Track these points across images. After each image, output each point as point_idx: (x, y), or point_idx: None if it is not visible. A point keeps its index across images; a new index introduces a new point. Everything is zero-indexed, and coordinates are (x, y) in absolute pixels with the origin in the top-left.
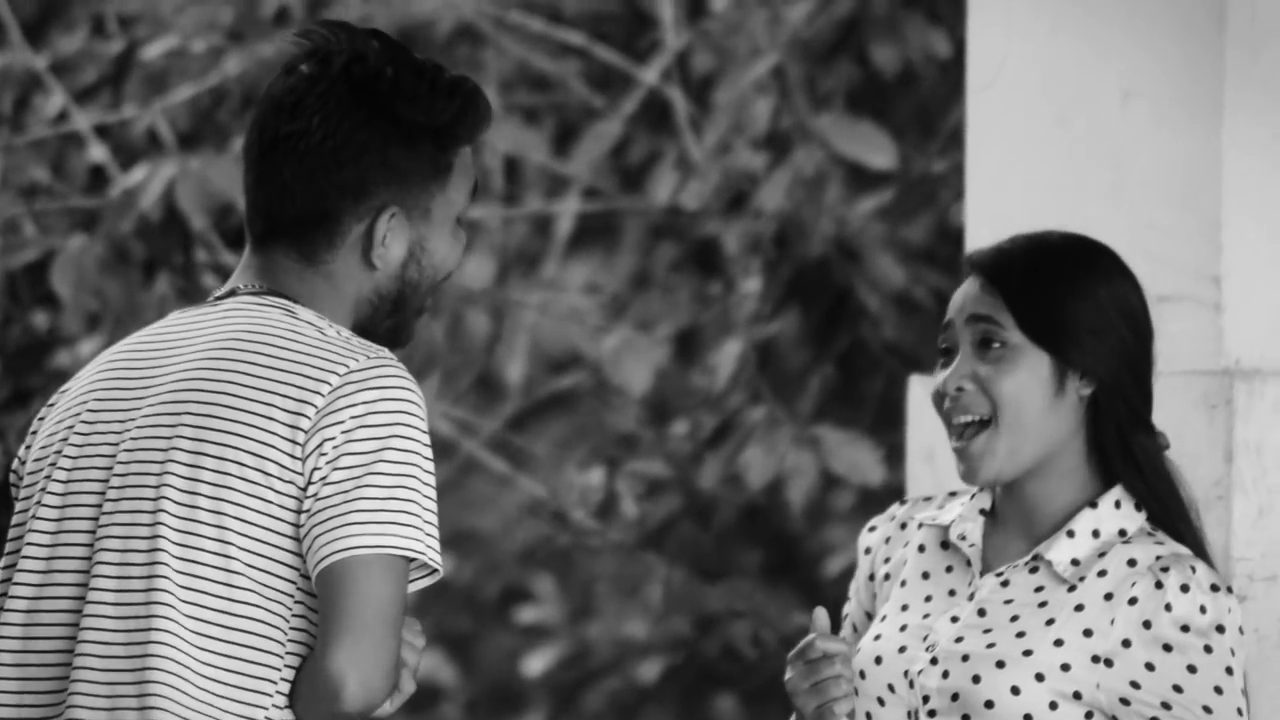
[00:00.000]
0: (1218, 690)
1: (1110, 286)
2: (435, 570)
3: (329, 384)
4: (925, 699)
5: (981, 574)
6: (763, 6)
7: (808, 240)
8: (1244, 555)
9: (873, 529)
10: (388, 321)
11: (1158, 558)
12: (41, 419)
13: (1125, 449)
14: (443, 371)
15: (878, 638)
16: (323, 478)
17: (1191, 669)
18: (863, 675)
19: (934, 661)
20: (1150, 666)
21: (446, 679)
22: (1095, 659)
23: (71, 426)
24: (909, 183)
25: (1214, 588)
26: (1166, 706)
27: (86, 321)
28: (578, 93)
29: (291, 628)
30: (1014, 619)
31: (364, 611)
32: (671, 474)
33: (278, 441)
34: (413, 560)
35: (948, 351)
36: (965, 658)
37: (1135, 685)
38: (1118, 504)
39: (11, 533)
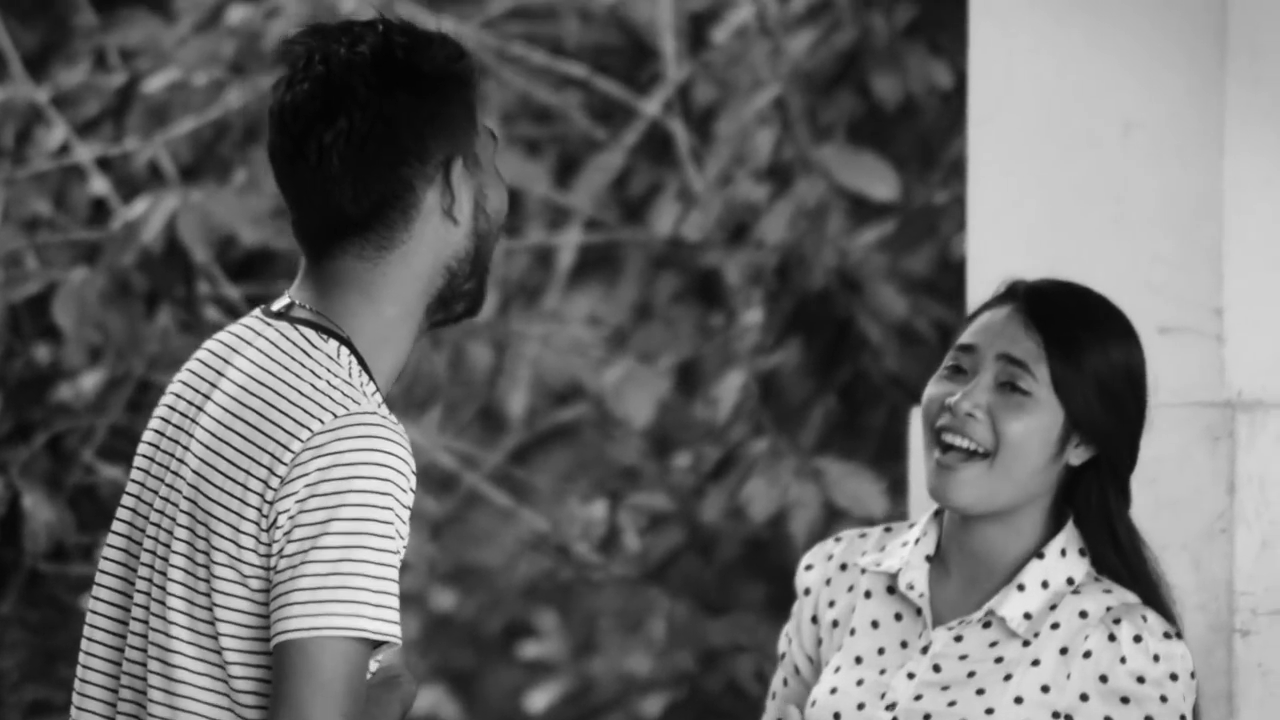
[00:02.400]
0: None
1: (1128, 354)
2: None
3: (292, 451)
4: None
5: (933, 624)
6: (764, 38)
7: (809, 271)
8: (1247, 589)
9: (809, 568)
10: (468, 285)
11: (1108, 608)
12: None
13: (1107, 523)
14: (445, 404)
15: (834, 691)
16: (279, 551)
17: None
18: None
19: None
20: None
21: (449, 715)
22: (1055, 715)
23: (148, 443)
24: (911, 214)
25: (1166, 635)
26: None
27: (89, 354)
28: (579, 124)
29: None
30: (971, 675)
31: (299, 693)
32: (674, 507)
33: (250, 513)
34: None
35: (957, 370)
36: (927, 717)
37: None
38: (1063, 552)
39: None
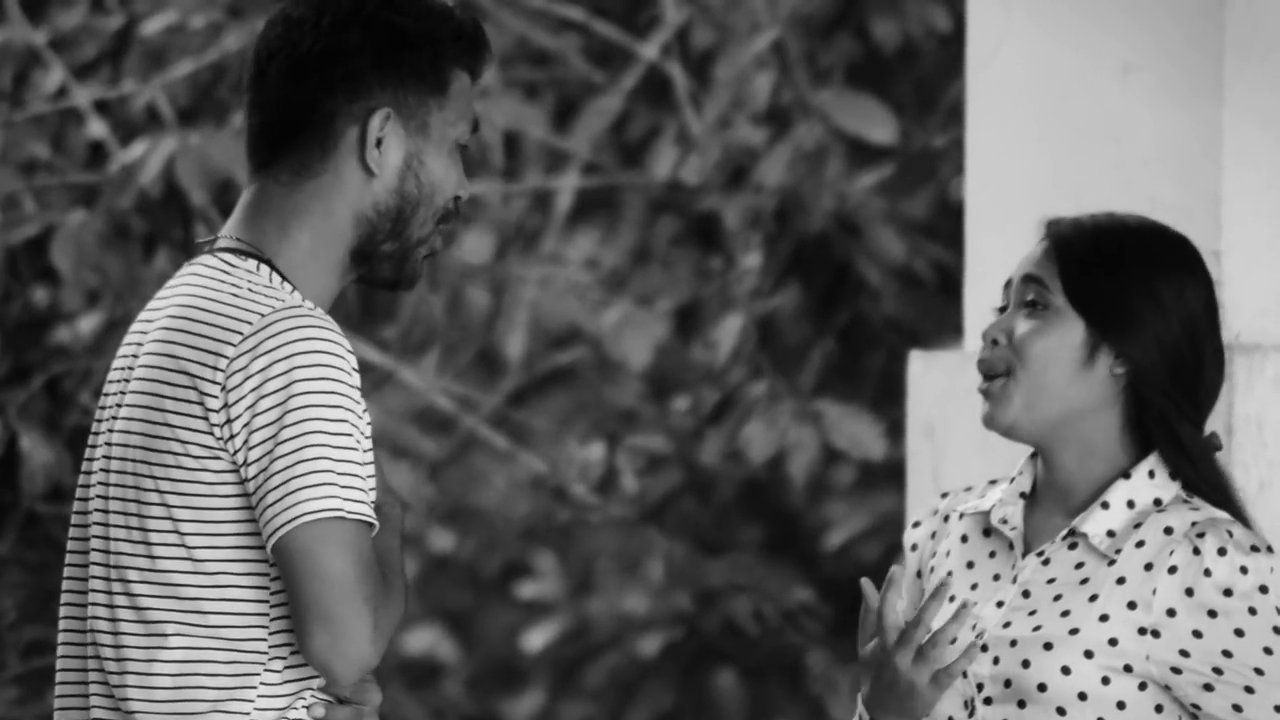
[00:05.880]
0: (1267, 651)
1: (1172, 283)
2: (369, 522)
3: (226, 357)
4: (980, 686)
5: (1024, 555)
6: None
7: (808, 215)
8: None
9: (917, 525)
10: (387, 245)
11: (1193, 524)
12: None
13: (1171, 435)
14: (443, 347)
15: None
16: (244, 460)
17: (1239, 633)
18: None
19: (984, 648)
20: (1198, 634)
21: (447, 655)
22: (1141, 631)
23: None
24: (909, 157)
25: (1254, 548)
26: (1218, 672)
27: (86, 297)
28: (578, 68)
29: (274, 605)
30: (1057, 598)
31: (318, 590)
32: (672, 449)
33: (196, 424)
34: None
35: (1003, 309)
36: (1013, 643)
37: (1184, 654)
38: (1151, 473)
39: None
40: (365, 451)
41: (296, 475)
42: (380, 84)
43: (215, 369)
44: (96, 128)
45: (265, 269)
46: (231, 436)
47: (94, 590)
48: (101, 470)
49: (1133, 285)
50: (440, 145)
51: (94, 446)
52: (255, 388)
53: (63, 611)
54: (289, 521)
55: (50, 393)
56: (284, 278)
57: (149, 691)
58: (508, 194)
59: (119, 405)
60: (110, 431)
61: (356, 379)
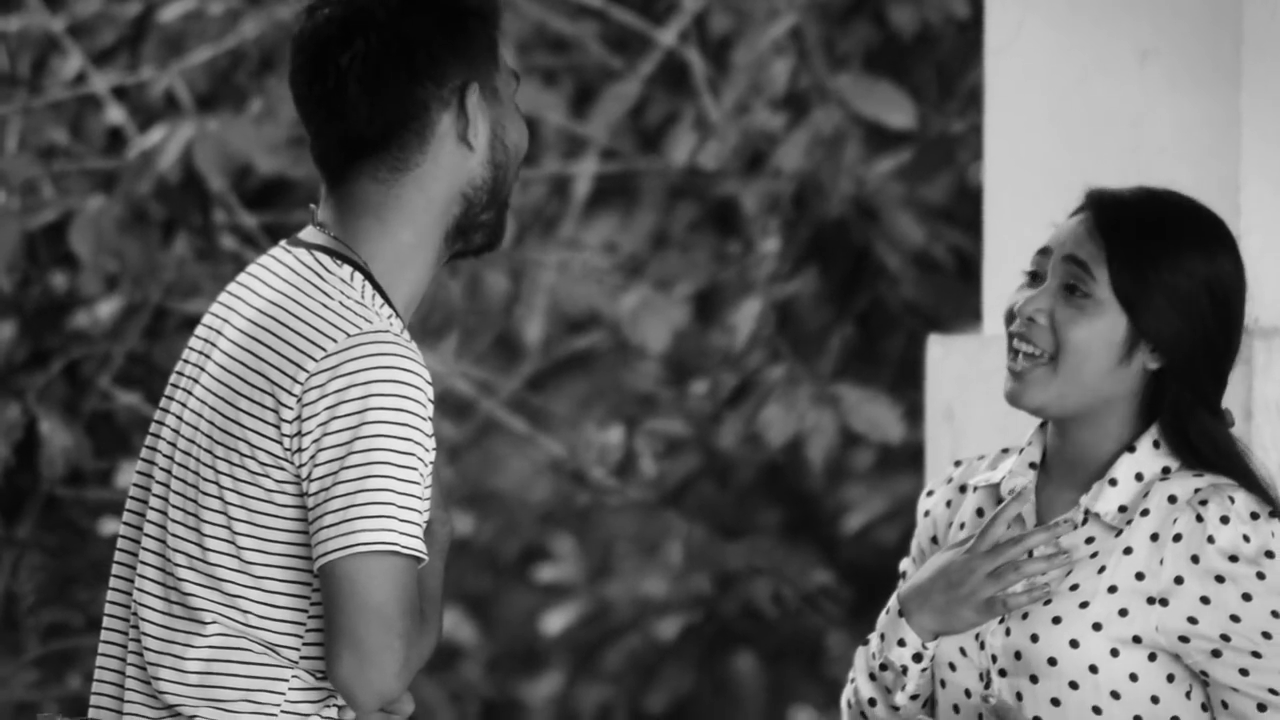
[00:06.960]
0: (1275, 614)
1: (1212, 264)
2: (420, 558)
3: (306, 370)
4: (994, 658)
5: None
6: None
7: (826, 200)
8: None
9: (930, 493)
10: (484, 215)
11: (1196, 490)
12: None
13: (1180, 431)
14: (461, 331)
15: None
16: (308, 475)
17: (1246, 597)
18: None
19: (1000, 620)
20: (1205, 600)
21: (466, 638)
22: (1150, 600)
23: (174, 373)
24: (927, 142)
25: (1254, 515)
26: (1225, 639)
27: (105, 282)
28: (595, 54)
29: (312, 615)
30: (1069, 572)
31: (355, 618)
32: (691, 433)
33: (266, 429)
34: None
35: (1035, 276)
36: (1025, 615)
37: (1192, 621)
38: (1156, 444)
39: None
40: (427, 481)
41: (357, 503)
42: (456, 60)
43: (294, 380)
44: (115, 114)
45: (360, 279)
46: (299, 450)
47: (146, 564)
48: (169, 444)
49: (1178, 279)
50: (509, 105)
51: (165, 411)
52: (330, 406)
53: (112, 584)
54: (343, 548)
55: (69, 377)
56: (377, 288)
57: (181, 674)
58: (526, 179)
59: (195, 381)
60: (184, 407)
61: (430, 410)
